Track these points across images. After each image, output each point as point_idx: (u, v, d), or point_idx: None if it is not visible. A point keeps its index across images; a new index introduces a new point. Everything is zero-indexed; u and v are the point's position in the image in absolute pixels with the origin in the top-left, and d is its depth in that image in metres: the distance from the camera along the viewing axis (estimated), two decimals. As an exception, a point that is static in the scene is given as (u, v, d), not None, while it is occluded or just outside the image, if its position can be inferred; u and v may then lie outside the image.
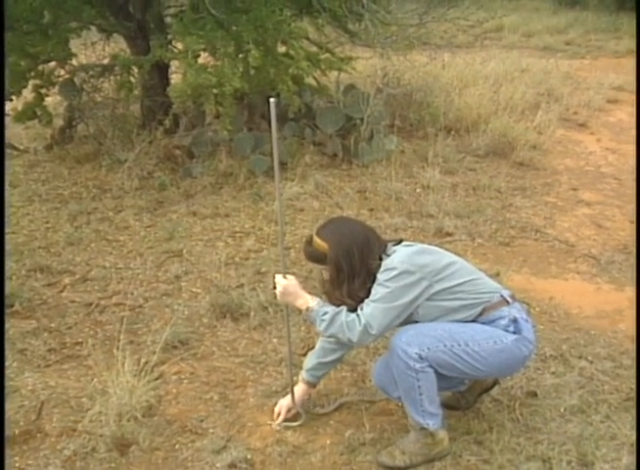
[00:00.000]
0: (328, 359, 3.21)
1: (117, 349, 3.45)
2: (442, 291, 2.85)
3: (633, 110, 9.78)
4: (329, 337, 3.01)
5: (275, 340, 3.88)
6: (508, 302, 2.93)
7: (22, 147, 6.88)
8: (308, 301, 2.91)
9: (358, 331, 2.80)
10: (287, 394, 3.25)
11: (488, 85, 8.88)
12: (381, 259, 2.88)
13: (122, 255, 4.91)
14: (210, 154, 6.32)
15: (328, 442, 3.11)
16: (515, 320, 2.88)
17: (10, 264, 4.51)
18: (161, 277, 4.58)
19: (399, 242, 2.97)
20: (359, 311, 2.83)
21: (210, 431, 3.17)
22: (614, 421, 3.23)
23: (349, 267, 2.87)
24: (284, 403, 3.23)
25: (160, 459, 2.99)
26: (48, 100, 6.55)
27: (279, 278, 2.97)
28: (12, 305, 4.07)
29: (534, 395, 3.42)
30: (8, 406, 3.18)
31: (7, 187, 5.62)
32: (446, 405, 3.17)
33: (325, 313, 2.86)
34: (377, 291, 2.83)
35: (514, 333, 2.87)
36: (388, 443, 3.06)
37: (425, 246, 2.99)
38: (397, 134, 7.00)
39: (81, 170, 6.42)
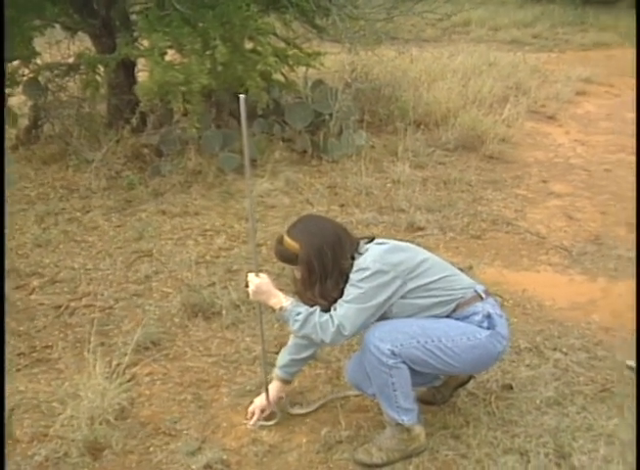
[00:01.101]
0: (301, 356, 3.18)
1: (88, 351, 3.41)
2: (416, 289, 2.83)
3: (601, 102, 9.89)
4: (302, 337, 2.99)
5: (248, 338, 3.85)
6: (482, 297, 2.92)
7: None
8: (282, 300, 2.88)
9: (331, 332, 2.77)
10: (261, 393, 3.22)
11: (457, 79, 8.90)
12: (353, 259, 2.85)
13: (91, 255, 4.85)
14: (179, 152, 6.26)
15: (304, 440, 3.08)
16: (489, 316, 2.87)
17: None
18: (132, 277, 4.53)
19: (371, 239, 2.94)
20: (332, 312, 2.80)
21: (184, 432, 3.13)
22: (590, 412, 3.23)
23: (321, 268, 2.83)
24: (258, 403, 3.20)
25: (134, 463, 2.95)
26: (12, 100, 6.47)
27: (251, 276, 2.94)
28: (-22, 309, 4.00)
29: (510, 388, 3.42)
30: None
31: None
32: (422, 400, 3.16)
33: (298, 314, 2.82)
34: (350, 291, 2.80)
35: (488, 328, 2.86)
36: (364, 440, 3.04)
37: (397, 243, 2.97)
38: (367, 129, 7.00)
39: (48, 171, 6.33)
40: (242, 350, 3.76)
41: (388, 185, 6.11)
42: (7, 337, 3.81)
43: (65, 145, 6.63)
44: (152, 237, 5.09)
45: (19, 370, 3.59)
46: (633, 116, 8.44)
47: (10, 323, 3.98)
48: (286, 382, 3.23)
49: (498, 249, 5.06)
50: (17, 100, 6.90)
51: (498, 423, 3.16)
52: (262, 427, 3.16)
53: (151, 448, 3.04)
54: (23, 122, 6.89)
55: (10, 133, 6.92)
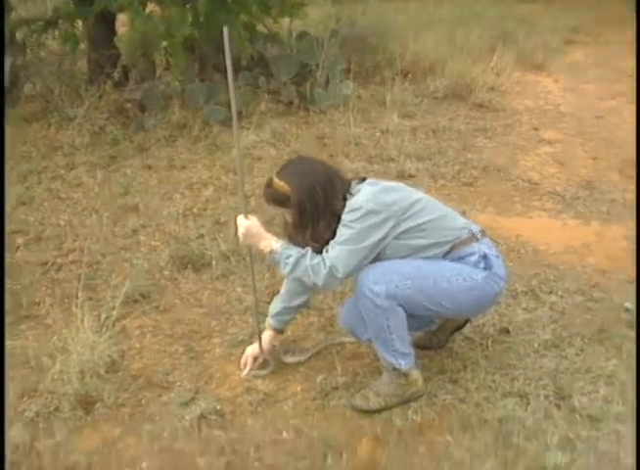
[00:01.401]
0: (294, 304, 3.11)
1: (76, 306, 3.31)
2: (410, 229, 2.75)
3: (589, 50, 9.77)
4: (294, 280, 2.91)
5: (239, 289, 3.78)
6: (477, 238, 2.84)
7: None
8: (272, 243, 2.79)
9: (323, 274, 2.69)
10: (253, 342, 3.15)
11: (443, 29, 8.78)
12: (345, 199, 2.76)
13: (77, 212, 4.75)
14: (163, 107, 6.13)
15: (299, 388, 3.03)
16: (485, 256, 2.80)
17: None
18: (119, 232, 4.44)
19: (363, 180, 2.85)
20: (324, 254, 2.72)
21: (177, 384, 3.07)
22: (588, 354, 3.19)
23: (313, 209, 2.74)
24: (250, 352, 3.13)
25: (127, 415, 2.89)
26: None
27: (241, 219, 2.85)
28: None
29: (507, 331, 3.37)
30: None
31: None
32: (418, 345, 3.09)
33: (289, 256, 2.74)
34: (342, 232, 2.71)
35: (484, 269, 2.78)
36: (361, 386, 2.99)
37: (390, 183, 2.88)
38: (354, 80, 6.88)
39: (30, 130, 6.16)
40: (233, 300, 3.69)
41: (377, 134, 6.02)
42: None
43: (46, 103, 6.45)
44: (138, 192, 4.99)
45: (5, 327, 3.50)
46: (624, 64, 8.36)
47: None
48: (279, 331, 3.17)
49: (490, 195, 4.99)
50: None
51: (496, 367, 3.11)
52: (256, 376, 3.10)
53: (143, 401, 2.97)
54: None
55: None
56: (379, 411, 2.86)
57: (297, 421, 2.84)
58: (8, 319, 3.54)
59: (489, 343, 3.28)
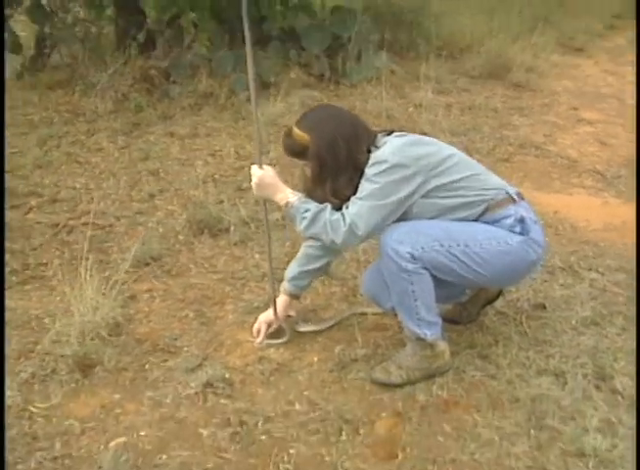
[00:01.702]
0: (311, 267, 2.84)
1: (84, 268, 3.08)
2: (440, 187, 2.47)
3: (630, 35, 9.40)
4: (310, 237, 2.64)
5: (257, 256, 3.55)
6: (514, 200, 2.57)
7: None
8: (288, 195, 2.54)
9: (343, 231, 2.43)
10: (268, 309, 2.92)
11: (483, 6, 8.48)
12: (369, 152, 2.49)
13: (94, 176, 4.54)
14: (190, 76, 5.94)
15: (316, 359, 2.78)
16: (522, 220, 2.52)
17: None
18: (135, 196, 4.23)
19: (390, 132, 2.58)
20: (344, 210, 2.46)
21: (185, 349, 2.83)
22: (631, 333, 2.91)
23: (334, 161, 2.48)
24: (264, 318, 2.88)
25: (128, 380, 2.65)
26: (17, 27, 6.14)
27: (255, 169, 2.59)
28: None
29: (543, 307, 3.10)
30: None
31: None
32: (446, 319, 2.80)
33: (306, 210, 2.49)
34: (365, 187, 2.44)
35: (520, 234, 2.51)
36: (382, 359, 2.73)
37: (419, 136, 2.61)
38: (387, 54, 6.61)
39: (53, 96, 6.00)
40: (250, 267, 3.46)
41: (410, 109, 5.76)
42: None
43: (71, 71, 6.29)
44: (158, 158, 4.78)
45: (10, 287, 3.27)
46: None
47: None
48: (294, 296, 2.90)
49: (527, 172, 4.71)
50: (21, 26, 6.57)
51: (530, 343, 2.85)
52: (270, 345, 2.85)
53: (147, 366, 2.73)
54: (29, 50, 6.54)
55: (15, 60, 6.60)
56: (400, 386, 2.60)
57: (312, 393, 2.59)
58: (14, 279, 3.34)
59: (523, 318, 3.01)
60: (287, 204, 2.53)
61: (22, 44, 6.21)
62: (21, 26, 6.65)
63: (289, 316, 2.94)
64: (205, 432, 2.41)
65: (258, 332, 2.87)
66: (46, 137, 5.16)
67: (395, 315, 2.70)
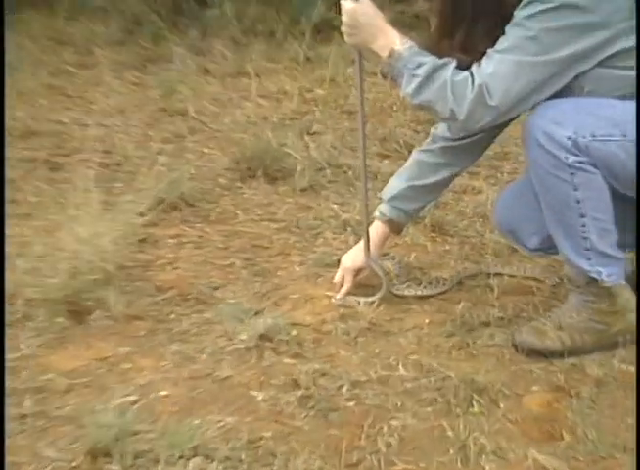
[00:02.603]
0: (425, 182, 2.75)
1: (74, 207, 3.07)
2: (629, 51, 2.29)
3: None
4: (419, 107, 2.47)
5: (335, 205, 3.58)
6: None
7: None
8: (395, 40, 2.38)
9: (469, 99, 2.25)
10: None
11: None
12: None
13: (90, 111, 4.72)
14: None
15: (427, 320, 2.73)
16: None
17: None
18: (155, 137, 4.35)
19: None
20: (474, 68, 2.30)
21: (230, 301, 2.81)
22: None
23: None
24: (349, 264, 2.81)
25: (144, 331, 2.64)
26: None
27: (346, 1, 2.44)
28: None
29: None
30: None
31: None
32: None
33: (420, 65, 2.32)
34: (510, 35, 2.28)
35: None
36: (525, 323, 2.65)
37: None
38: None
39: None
40: (325, 217, 3.47)
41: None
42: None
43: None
44: (188, 96, 4.87)
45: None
46: None
47: None
48: (396, 228, 2.83)
49: None
50: None
51: None
52: (356, 303, 2.77)
53: (172, 315, 2.73)
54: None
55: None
56: (561, 354, 2.47)
57: (422, 357, 2.51)
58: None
59: None
60: (392, 53, 2.37)
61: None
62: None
63: (386, 273, 2.84)
64: (260, 395, 2.33)
65: (341, 283, 2.80)
66: (16, 63, 5.21)
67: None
